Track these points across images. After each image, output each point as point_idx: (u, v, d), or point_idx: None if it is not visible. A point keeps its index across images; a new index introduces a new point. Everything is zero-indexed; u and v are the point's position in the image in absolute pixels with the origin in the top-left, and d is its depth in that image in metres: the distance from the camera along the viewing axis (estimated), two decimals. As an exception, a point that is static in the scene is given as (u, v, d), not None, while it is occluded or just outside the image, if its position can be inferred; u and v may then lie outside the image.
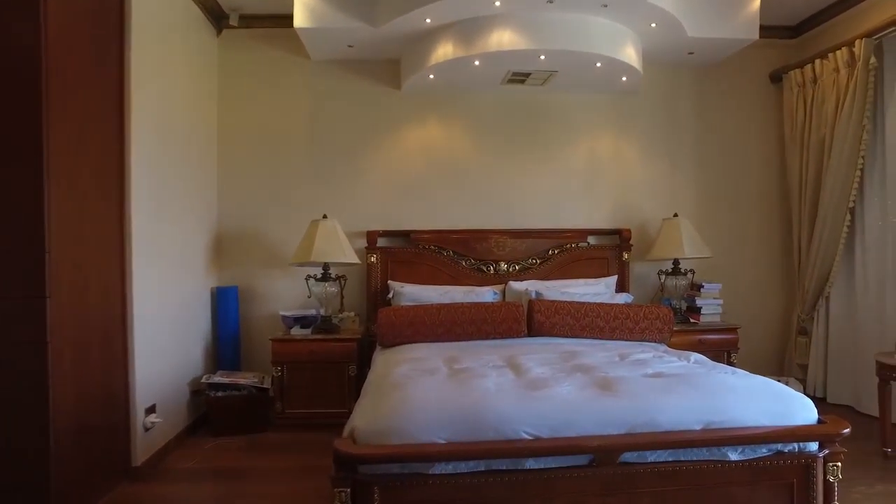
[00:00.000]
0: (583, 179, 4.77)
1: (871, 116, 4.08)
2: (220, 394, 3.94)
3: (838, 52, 4.23)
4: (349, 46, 4.34)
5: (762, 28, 4.25)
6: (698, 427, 2.21)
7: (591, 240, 4.70)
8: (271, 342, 4.09)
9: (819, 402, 4.45)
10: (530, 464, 2.12)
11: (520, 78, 4.36)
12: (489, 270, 4.55)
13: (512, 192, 4.72)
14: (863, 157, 4.12)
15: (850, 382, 4.35)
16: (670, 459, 2.19)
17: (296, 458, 3.51)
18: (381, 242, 4.57)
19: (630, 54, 4.06)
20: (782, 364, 4.83)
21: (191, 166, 4.06)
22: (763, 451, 2.24)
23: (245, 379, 4.07)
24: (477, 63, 4.02)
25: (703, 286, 4.39)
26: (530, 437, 2.11)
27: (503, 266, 4.56)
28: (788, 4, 4.46)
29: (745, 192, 4.93)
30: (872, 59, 4.01)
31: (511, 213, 4.70)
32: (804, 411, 2.35)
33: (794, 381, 4.32)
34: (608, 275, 4.54)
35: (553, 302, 3.86)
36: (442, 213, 4.69)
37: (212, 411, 3.94)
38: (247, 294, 4.57)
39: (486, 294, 4.21)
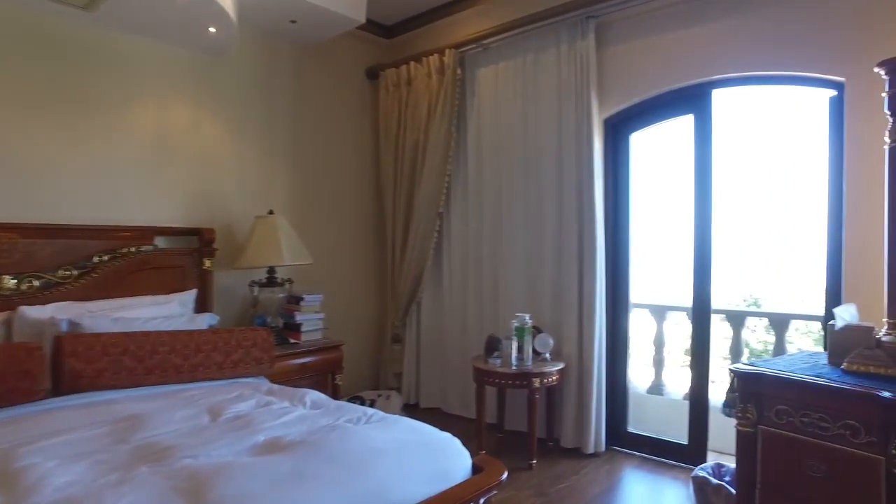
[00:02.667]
0: (148, 159, 3.47)
1: (457, 125, 4.17)
2: None
3: (431, 58, 4.20)
4: None
5: (362, 23, 3.89)
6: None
7: (160, 242, 3.44)
8: None
9: (413, 408, 4.35)
10: None
11: (43, -12, 2.80)
12: (-18, 290, 2.79)
13: (31, 169, 3.04)
14: (450, 164, 4.18)
15: (438, 385, 4.39)
16: None
17: None
18: None
19: (220, -5, 3.04)
20: (379, 375, 4.60)
21: None
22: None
23: None
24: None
25: (303, 298, 3.71)
26: None
27: (9, 282, 2.85)
28: (387, 4, 4.24)
29: (344, 192, 4.52)
30: (458, 71, 4.10)
31: (28, 200, 3.02)
32: (459, 459, 1.87)
33: (395, 395, 4.08)
34: (184, 289, 3.38)
35: (99, 336, 2.52)
36: None
37: None
38: None
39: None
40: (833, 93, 2.92)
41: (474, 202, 4.15)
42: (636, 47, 3.44)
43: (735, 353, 3.90)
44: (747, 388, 2.14)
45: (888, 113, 2.34)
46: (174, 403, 2.25)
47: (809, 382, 1.99)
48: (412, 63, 4.34)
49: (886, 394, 1.80)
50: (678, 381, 4.37)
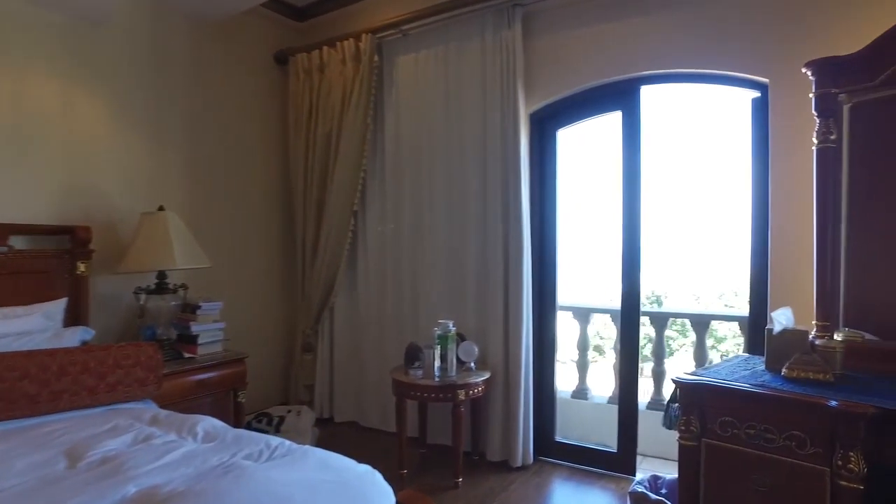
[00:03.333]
0: (6, 142, 2.91)
1: (374, 116, 3.87)
2: None
3: (346, 43, 3.87)
4: None
5: (269, 2, 3.51)
6: None
7: (19, 242, 2.89)
8: None
9: (327, 422, 4.01)
10: None
11: None
12: None
13: None
14: (366, 158, 3.87)
15: (353, 397, 4.07)
16: None
17: None
18: None
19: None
20: (289, 388, 4.20)
21: None
22: None
23: None
24: None
25: (199, 307, 3.26)
26: None
27: None
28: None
29: (248, 187, 4.09)
30: (376, 58, 3.80)
31: None
32: (382, 499, 1.57)
33: (307, 410, 3.72)
34: (51, 298, 2.86)
35: (-76, 361, 2.00)
36: None
37: None
38: None
39: None
40: (756, 94, 2.90)
41: (392, 200, 3.86)
42: (564, 39, 3.29)
43: (657, 354, 3.86)
44: (690, 399, 2.01)
45: (815, 114, 2.31)
46: (21, 446, 1.80)
47: (754, 392, 1.88)
48: (325, 48, 3.98)
49: (834, 402, 1.71)
50: (602, 384, 4.32)
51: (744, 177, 3.02)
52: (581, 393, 4.13)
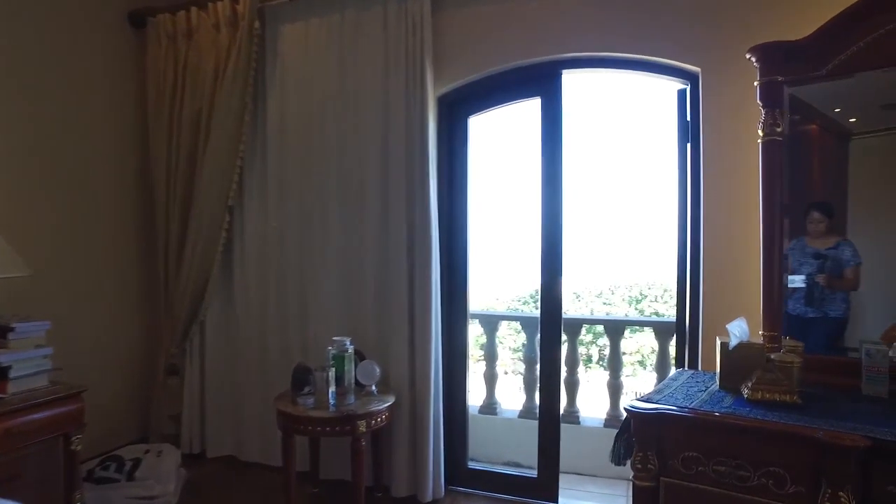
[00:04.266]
0: None
1: (254, 94, 3.27)
2: None
3: (220, 5, 3.24)
4: None
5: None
6: None
7: None
8: None
9: (197, 459, 3.34)
10: None
11: None
12: None
13: None
14: (244, 143, 3.26)
15: (230, 428, 3.42)
16: None
17: None
18: None
19: None
20: (149, 422, 3.45)
21: None
22: None
23: None
24: None
25: (12, 329, 2.47)
26: None
27: None
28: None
29: (93, 176, 3.30)
30: (257, 24, 3.20)
31: None
32: None
33: (170, 449, 3.03)
34: None
35: None
36: None
37: None
38: None
39: None
40: (681, 86, 2.71)
41: (277, 194, 3.28)
42: (479, 14, 2.91)
43: (571, 363, 3.61)
44: (646, 432, 1.68)
45: (760, 104, 2.10)
46: None
47: (726, 422, 1.58)
48: (194, 9, 3.31)
49: (820, 434, 1.45)
50: (511, 398, 4.02)
51: (667, 172, 2.82)
52: (490, 408, 3.79)
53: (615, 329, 3.58)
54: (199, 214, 3.27)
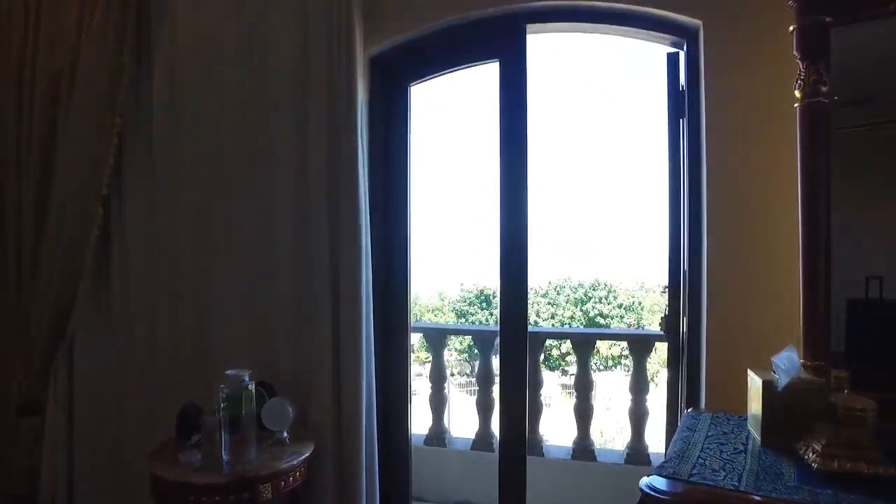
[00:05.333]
0: None
1: (135, 52, 2.55)
2: None
3: (83, -68, 2.48)
4: None
5: None
6: None
7: None
8: None
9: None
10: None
11: None
12: None
13: None
14: (122, 116, 2.52)
15: (107, 485, 2.66)
16: None
17: None
18: None
19: None
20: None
21: None
22: None
23: None
24: None
25: None
26: None
27: None
28: None
29: None
30: (136, -38, 2.48)
31: None
32: None
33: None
34: None
35: None
36: None
37: None
38: None
39: None
40: (672, 49, 2.19)
41: (164, 179, 2.55)
42: (420, -50, 2.30)
43: (533, 384, 3.05)
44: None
45: (798, 56, 1.58)
46: None
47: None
48: (49, -61, 2.54)
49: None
50: (464, 424, 3.45)
51: (650, 154, 2.30)
52: (438, 438, 3.20)
53: (584, 343, 3.04)
54: (61, 205, 2.51)
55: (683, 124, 2.13)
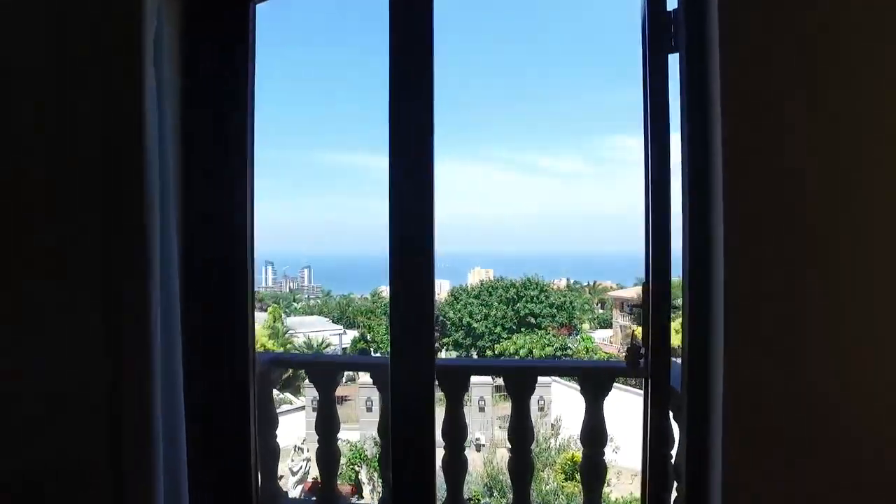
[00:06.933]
0: None
1: None
2: None
3: None
4: None
5: None
6: None
7: None
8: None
9: None
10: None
11: None
12: None
13: None
14: None
15: None
16: None
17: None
18: None
19: None
20: None
21: None
22: None
23: None
24: None
25: None
26: None
27: None
28: None
29: None
30: None
31: None
32: None
33: None
34: None
35: None
36: None
37: None
38: None
39: None
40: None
41: None
42: None
43: (452, 437, 2.23)
44: None
45: None
46: None
47: None
48: None
49: None
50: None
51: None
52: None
53: (520, 381, 2.24)
54: None
55: (677, 64, 1.36)
